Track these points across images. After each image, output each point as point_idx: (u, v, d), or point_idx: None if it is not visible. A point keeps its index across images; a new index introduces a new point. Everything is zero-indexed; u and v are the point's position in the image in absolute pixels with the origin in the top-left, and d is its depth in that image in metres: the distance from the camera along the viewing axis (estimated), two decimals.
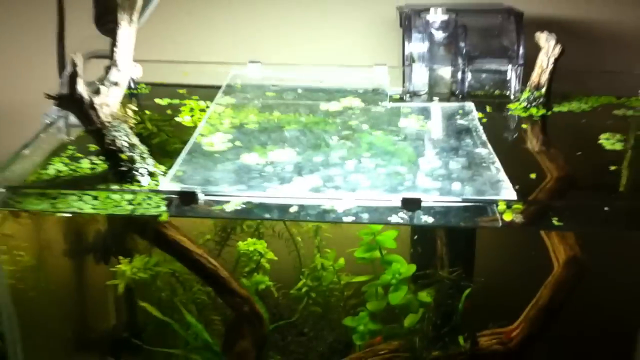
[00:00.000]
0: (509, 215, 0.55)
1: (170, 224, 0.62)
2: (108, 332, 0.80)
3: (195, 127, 0.71)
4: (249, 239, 0.76)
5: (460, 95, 0.85)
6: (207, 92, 0.81)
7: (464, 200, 0.55)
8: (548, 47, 0.81)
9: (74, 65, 0.60)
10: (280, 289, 0.79)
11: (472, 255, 0.71)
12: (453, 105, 0.81)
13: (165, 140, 0.69)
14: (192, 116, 0.75)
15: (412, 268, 0.75)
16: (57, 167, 0.63)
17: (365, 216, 0.56)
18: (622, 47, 0.96)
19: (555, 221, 0.55)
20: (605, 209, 0.54)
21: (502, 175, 0.59)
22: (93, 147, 0.63)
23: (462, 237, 0.71)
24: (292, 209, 0.56)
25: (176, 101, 0.79)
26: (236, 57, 0.89)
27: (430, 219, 0.55)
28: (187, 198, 0.53)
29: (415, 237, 0.76)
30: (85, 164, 0.64)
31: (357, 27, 0.96)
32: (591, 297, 0.73)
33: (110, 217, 0.68)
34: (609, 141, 0.71)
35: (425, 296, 0.74)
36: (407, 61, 0.85)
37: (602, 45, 0.96)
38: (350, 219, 0.55)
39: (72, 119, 0.64)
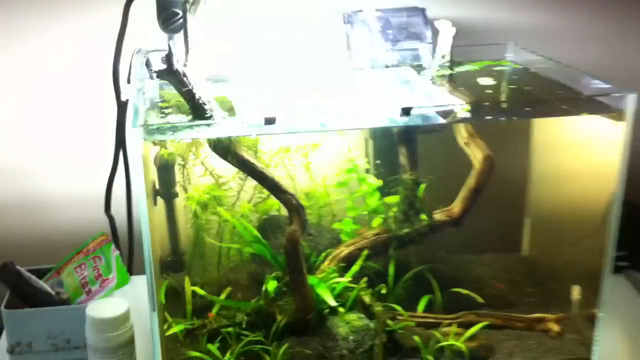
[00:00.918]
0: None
1: (244, 148, 0.94)
2: None
3: None
4: None
5: (393, 67, 1.22)
6: None
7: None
8: (445, 29, 1.21)
9: (170, 48, 0.92)
10: None
11: (417, 159, 1.08)
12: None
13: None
14: None
15: (380, 181, 1.11)
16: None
17: None
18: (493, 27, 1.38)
19: None
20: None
21: None
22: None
23: (413, 145, 1.06)
24: None
25: None
26: None
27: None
28: (270, 121, 0.86)
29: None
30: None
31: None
32: None
33: None
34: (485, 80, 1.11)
35: (392, 199, 1.10)
36: (352, 47, 1.22)
37: (478, 30, 1.38)
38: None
39: None
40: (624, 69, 1.44)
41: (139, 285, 0.99)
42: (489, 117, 0.93)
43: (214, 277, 1.07)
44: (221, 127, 0.88)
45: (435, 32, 1.21)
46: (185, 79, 0.90)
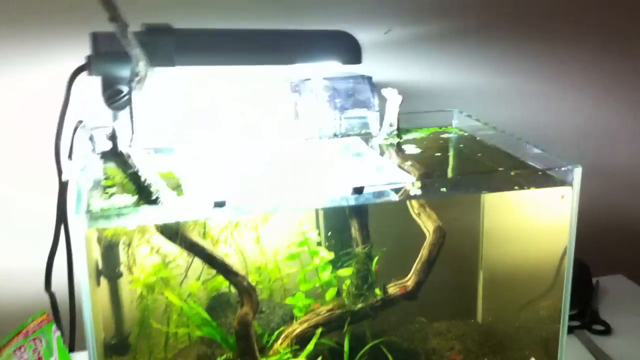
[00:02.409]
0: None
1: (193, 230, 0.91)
2: None
3: None
4: None
5: (340, 136, 1.21)
6: None
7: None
8: (392, 97, 1.22)
9: (114, 129, 0.89)
10: None
11: (368, 232, 1.07)
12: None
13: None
14: None
15: (332, 254, 1.09)
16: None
17: None
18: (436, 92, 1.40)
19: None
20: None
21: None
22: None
23: (364, 218, 1.05)
24: None
25: None
26: None
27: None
28: (220, 204, 0.83)
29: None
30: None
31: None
32: None
33: None
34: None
35: (344, 272, 1.09)
36: (300, 116, 1.21)
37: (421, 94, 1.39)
38: None
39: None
40: (566, 125, 1.48)
41: None
42: (442, 192, 0.92)
43: None
44: (168, 211, 0.84)
45: (382, 100, 1.21)
46: (129, 160, 0.87)
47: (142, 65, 0.89)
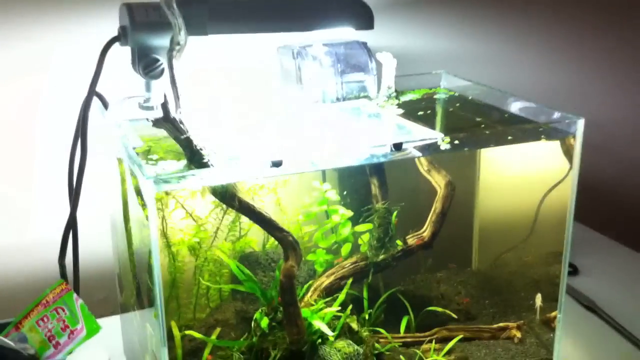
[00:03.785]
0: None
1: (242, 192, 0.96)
2: None
3: None
4: None
5: (343, 100, 1.27)
6: None
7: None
8: (387, 61, 1.29)
9: (165, 96, 0.92)
10: None
11: (387, 189, 1.14)
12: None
13: None
14: None
15: (350, 212, 1.16)
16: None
17: None
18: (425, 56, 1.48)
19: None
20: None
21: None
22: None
23: (383, 175, 1.12)
24: None
25: None
26: None
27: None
28: (277, 164, 0.88)
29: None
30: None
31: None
32: None
33: None
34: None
35: (363, 227, 1.16)
36: (304, 82, 1.26)
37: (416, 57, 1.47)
38: None
39: None
40: (549, 89, 1.60)
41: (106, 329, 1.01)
42: (465, 148, 1.00)
43: (199, 319, 1.07)
44: (228, 172, 0.89)
45: (378, 64, 1.28)
46: (182, 126, 0.90)
47: (183, 35, 0.92)
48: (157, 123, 0.90)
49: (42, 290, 1.12)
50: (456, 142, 0.99)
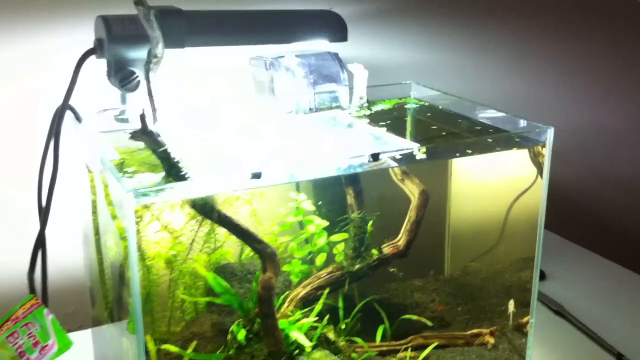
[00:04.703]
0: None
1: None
2: None
3: None
4: None
5: (315, 110, 1.28)
6: None
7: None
8: (359, 72, 1.30)
9: (143, 110, 0.91)
10: None
11: (363, 198, 1.15)
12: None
13: None
14: None
15: (326, 222, 1.16)
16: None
17: None
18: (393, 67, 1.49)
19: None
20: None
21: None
22: None
23: (358, 185, 1.13)
24: None
25: None
26: None
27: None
28: (257, 175, 0.88)
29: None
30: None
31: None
32: None
33: None
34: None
35: (338, 237, 1.16)
36: (277, 93, 1.26)
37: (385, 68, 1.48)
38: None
39: None
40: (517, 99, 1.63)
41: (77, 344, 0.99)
42: (440, 158, 1.02)
43: (175, 332, 1.06)
44: (208, 185, 0.89)
45: (350, 75, 1.29)
46: (159, 138, 0.90)
47: (160, 47, 0.92)
48: (134, 136, 0.89)
49: (12, 306, 1.10)
50: (432, 151, 1.00)
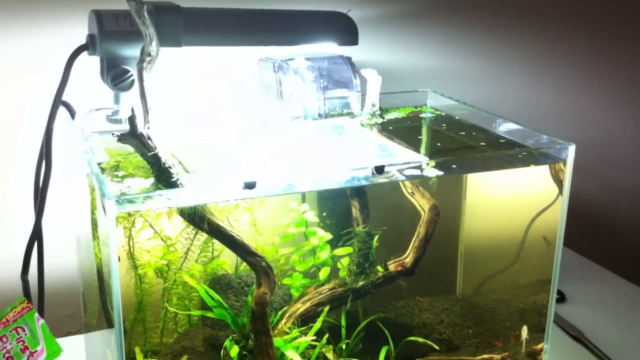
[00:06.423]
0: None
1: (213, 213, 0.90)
2: None
3: None
4: None
5: (325, 116, 1.22)
6: None
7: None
8: (372, 77, 1.23)
9: (132, 110, 0.86)
10: None
11: (369, 212, 1.09)
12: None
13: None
14: None
15: (329, 234, 1.10)
16: None
17: None
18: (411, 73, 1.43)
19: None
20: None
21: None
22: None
23: (364, 198, 1.07)
24: None
25: None
26: None
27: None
28: (250, 185, 0.83)
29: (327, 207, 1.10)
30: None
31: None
32: None
33: None
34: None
35: (342, 250, 1.10)
36: (285, 97, 1.20)
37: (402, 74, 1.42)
38: None
39: None
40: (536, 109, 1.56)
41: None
42: (451, 173, 0.95)
43: (166, 344, 1.01)
44: (198, 193, 0.83)
45: (363, 81, 1.23)
46: (149, 142, 0.85)
47: (154, 45, 0.86)
48: (122, 138, 0.84)
49: (2, 308, 1.06)
50: (442, 166, 0.94)
